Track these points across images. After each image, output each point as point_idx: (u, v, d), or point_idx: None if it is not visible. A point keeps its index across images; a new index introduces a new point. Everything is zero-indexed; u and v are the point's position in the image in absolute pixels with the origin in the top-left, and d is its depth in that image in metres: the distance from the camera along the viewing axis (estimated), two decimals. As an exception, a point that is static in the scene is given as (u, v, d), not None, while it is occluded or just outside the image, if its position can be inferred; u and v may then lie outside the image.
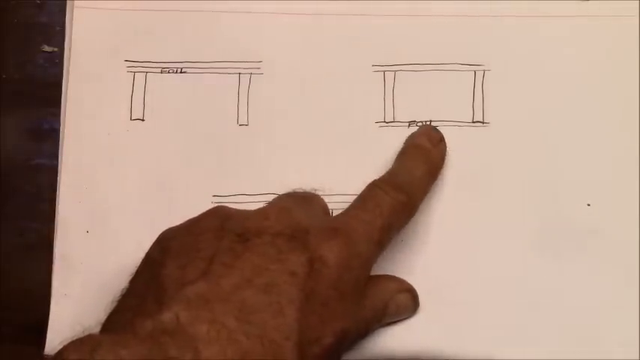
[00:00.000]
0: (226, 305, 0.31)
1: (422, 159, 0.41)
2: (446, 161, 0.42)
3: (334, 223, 0.36)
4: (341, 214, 0.38)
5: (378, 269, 0.40)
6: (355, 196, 0.41)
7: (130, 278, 0.35)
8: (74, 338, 0.30)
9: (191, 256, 0.33)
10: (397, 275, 0.41)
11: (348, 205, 0.38)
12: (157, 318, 0.30)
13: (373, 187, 0.39)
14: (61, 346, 0.29)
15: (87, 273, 0.42)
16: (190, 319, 0.30)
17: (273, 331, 0.31)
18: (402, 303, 0.40)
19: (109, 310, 0.34)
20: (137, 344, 0.29)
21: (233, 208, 0.37)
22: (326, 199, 0.42)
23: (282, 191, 0.41)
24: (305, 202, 0.39)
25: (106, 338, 0.30)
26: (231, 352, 0.30)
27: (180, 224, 0.36)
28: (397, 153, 0.42)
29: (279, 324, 0.32)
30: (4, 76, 0.45)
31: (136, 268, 0.36)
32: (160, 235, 0.36)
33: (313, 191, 0.40)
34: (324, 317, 0.33)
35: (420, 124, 0.43)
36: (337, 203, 0.42)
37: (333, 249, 0.34)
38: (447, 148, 0.42)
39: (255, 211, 0.36)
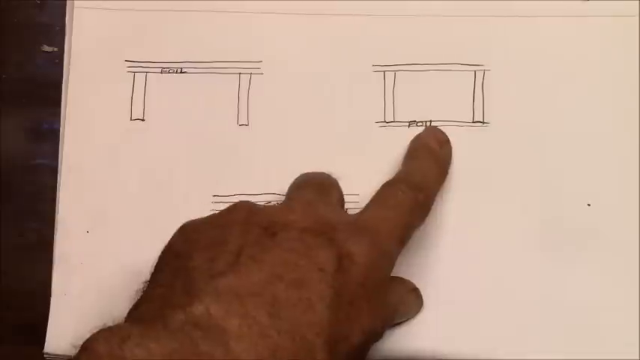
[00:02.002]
0: (258, 300, 0.31)
1: (432, 160, 0.41)
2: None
3: (359, 221, 0.36)
4: (362, 212, 0.38)
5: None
6: (355, 196, 0.42)
7: (151, 270, 0.35)
8: (103, 327, 0.29)
9: (218, 249, 0.33)
10: (397, 275, 0.41)
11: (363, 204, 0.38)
12: (187, 310, 0.30)
13: (391, 186, 0.39)
14: (82, 339, 0.29)
15: (87, 273, 0.42)
16: (222, 313, 0.30)
17: (304, 328, 0.31)
18: (409, 303, 0.40)
19: (116, 317, 0.33)
20: (167, 337, 0.29)
21: (258, 204, 0.36)
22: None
23: (282, 191, 0.42)
24: (324, 192, 0.38)
25: (135, 330, 0.29)
26: (262, 347, 0.30)
27: (204, 217, 0.36)
28: (404, 154, 0.42)
29: (310, 320, 0.31)
30: (4, 76, 0.45)
31: (145, 275, 0.35)
32: (181, 228, 0.36)
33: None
34: (352, 315, 0.33)
35: (420, 124, 0.43)
36: (337, 203, 0.42)
37: (361, 247, 0.34)
38: (448, 149, 0.43)
39: (280, 205, 0.37)
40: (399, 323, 0.40)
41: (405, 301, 0.40)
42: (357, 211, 0.41)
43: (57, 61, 0.44)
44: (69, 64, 0.44)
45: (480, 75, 0.43)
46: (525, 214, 0.42)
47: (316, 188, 0.39)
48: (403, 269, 0.41)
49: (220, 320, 0.30)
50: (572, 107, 0.43)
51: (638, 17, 0.44)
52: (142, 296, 0.33)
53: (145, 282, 0.34)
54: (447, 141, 0.42)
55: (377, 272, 0.35)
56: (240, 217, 0.35)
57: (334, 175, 0.41)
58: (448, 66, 0.44)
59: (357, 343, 0.33)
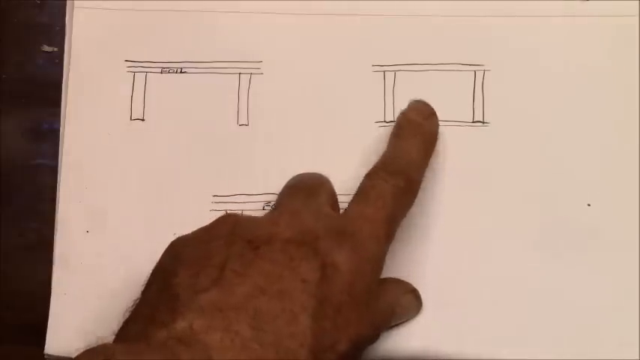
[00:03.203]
0: (240, 313, 0.31)
1: (415, 136, 0.40)
2: (441, 151, 0.42)
3: (342, 225, 0.36)
4: (345, 212, 0.37)
5: (378, 269, 0.41)
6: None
7: (141, 288, 0.35)
8: (88, 347, 0.30)
9: (202, 264, 0.33)
10: (397, 275, 0.41)
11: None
12: (170, 327, 0.30)
13: (371, 177, 0.38)
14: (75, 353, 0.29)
15: (87, 273, 0.42)
16: (204, 328, 0.30)
17: (287, 339, 0.31)
18: (407, 304, 0.40)
19: (116, 318, 0.34)
20: (150, 353, 0.29)
21: (243, 215, 0.37)
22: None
23: (282, 191, 0.42)
24: (312, 196, 0.38)
25: (119, 347, 0.30)
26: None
27: (191, 233, 0.36)
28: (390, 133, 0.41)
29: (293, 331, 0.32)
30: (4, 76, 0.45)
31: (144, 275, 0.35)
32: (170, 244, 0.36)
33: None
34: (338, 323, 0.33)
35: (419, 124, 0.43)
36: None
37: (345, 255, 0.34)
38: (447, 148, 0.42)
39: (264, 217, 0.36)
40: (399, 324, 0.40)
41: (403, 303, 0.39)
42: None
43: (57, 61, 0.44)
44: (69, 64, 0.44)
45: (479, 75, 0.43)
46: (525, 214, 0.42)
47: (305, 193, 0.39)
48: (403, 269, 0.41)
49: (203, 335, 0.30)
50: (572, 107, 0.43)
51: (638, 17, 0.44)
52: (129, 316, 0.34)
53: (136, 300, 0.34)
54: (433, 113, 0.42)
55: (363, 278, 0.35)
56: (225, 231, 0.35)
57: (334, 175, 0.41)
58: (448, 66, 0.44)
59: (345, 351, 0.33)
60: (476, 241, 0.41)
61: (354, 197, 0.38)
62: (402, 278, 0.41)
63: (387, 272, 0.41)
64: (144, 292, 0.35)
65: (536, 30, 0.44)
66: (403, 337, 0.40)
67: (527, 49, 0.43)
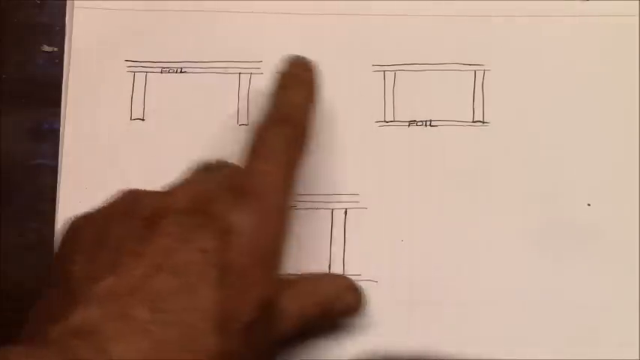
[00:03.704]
0: (137, 296, 0.30)
1: (297, 85, 0.39)
2: (441, 151, 0.42)
3: (237, 183, 0.34)
4: (239, 170, 0.36)
5: (375, 267, 0.40)
6: (355, 196, 0.42)
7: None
8: None
9: (99, 247, 0.32)
10: (397, 275, 0.41)
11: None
12: (66, 321, 0.29)
13: (259, 131, 0.37)
14: None
15: (87, 273, 0.42)
16: (100, 318, 0.29)
17: (189, 315, 0.30)
18: (350, 300, 0.38)
19: None
20: (46, 352, 0.28)
21: (144, 190, 0.35)
22: (325, 199, 0.42)
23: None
24: (214, 169, 0.37)
25: (14, 350, 0.28)
26: (145, 344, 0.29)
27: (89, 211, 0.35)
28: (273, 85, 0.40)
29: (194, 306, 0.30)
30: (4, 76, 0.45)
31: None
32: (69, 226, 0.34)
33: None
34: (243, 287, 0.32)
35: (419, 123, 0.43)
36: (337, 203, 0.42)
37: (241, 215, 0.33)
38: (447, 148, 0.43)
39: (161, 190, 0.35)
40: (348, 324, 0.40)
41: (344, 298, 0.38)
42: (358, 211, 0.42)
43: (57, 61, 0.44)
44: (69, 64, 0.44)
45: (479, 75, 0.43)
46: (525, 214, 0.42)
47: (205, 166, 0.37)
48: (402, 269, 0.41)
49: (98, 325, 0.29)
50: (572, 107, 0.43)
51: (638, 17, 0.44)
52: (31, 314, 0.32)
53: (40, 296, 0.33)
54: (312, 65, 0.40)
55: (267, 238, 0.33)
56: (123, 208, 0.34)
57: (334, 175, 0.42)
58: (448, 66, 0.44)
59: (251, 317, 0.32)
60: (476, 241, 0.41)
61: (244, 154, 0.36)
62: (402, 278, 0.41)
63: (387, 272, 0.41)
64: (45, 285, 0.33)
65: (537, 30, 0.44)
66: (402, 337, 0.40)
67: (527, 49, 0.44)
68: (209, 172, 0.37)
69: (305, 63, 0.40)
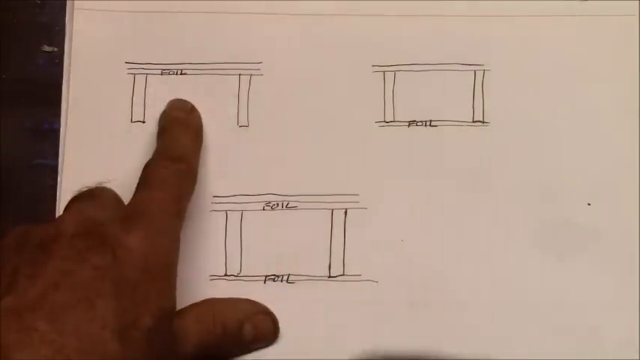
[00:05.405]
0: (36, 312, 0.32)
1: (184, 128, 0.42)
2: (441, 151, 0.42)
3: (128, 210, 0.37)
4: (131, 200, 0.38)
5: (375, 267, 0.41)
6: (355, 196, 0.42)
7: None
8: None
9: None
10: (397, 275, 0.41)
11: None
12: None
13: (152, 165, 0.39)
14: None
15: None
16: (2, 331, 0.31)
17: (87, 325, 0.32)
18: (260, 325, 0.39)
19: None
20: None
21: (32, 224, 0.36)
22: (325, 199, 0.42)
23: (282, 191, 0.42)
24: (97, 197, 0.38)
25: None
26: (46, 351, 0.31)
27: None
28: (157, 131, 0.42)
29: (92, 316, 0.32)
30: (4, 76, 0.45)
31: None
32: None
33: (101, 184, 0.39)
34: (138, 300, 0.34)
35: (419, 123, 0.43)
36: (337, 203, 0.42)
37: (134, 234, 0.35)
38: (447, 148, 0.43)
39: (51, 222, 0.36)
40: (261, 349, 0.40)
41: (254, 322, 0.39)
42: (358, 212, 0.42)
43: (57, 61, 0.44)
44: (69, 64, 0.44)
45: (479, 75, 0.43)
46: (525, 214, 0.42)
47: (88, 195, 0.38)
48: (402, 269, 0.41)
49: (1, 339, 0.31)
50: (571, 107, 0.43)
51: (637, 17, 0.44)
52: None
53: None
54: (193, 108, 0.43)
55: (158, 254, 0.35)
56: (12, 242, 0.35)
57: (334, 175, 0.42)
58: (448, 66, 0.44)
59: (149, 325, 0.34)
60: (476, 241, 0.41)
61: (137, 186, 0.38)
62: (402, 278, 0.41)
63: (387, 273, 0.41)
64: None
65: (536, 30, 0.44)
66: (402, 337, 0.40)
67: (527, 49, 0.44)
68: (92, 199, 0.38)
69: (187, 105, 0.42)
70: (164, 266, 0.36)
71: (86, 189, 0.39)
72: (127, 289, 0.34)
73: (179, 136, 0.41)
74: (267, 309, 0.40)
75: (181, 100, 0.43)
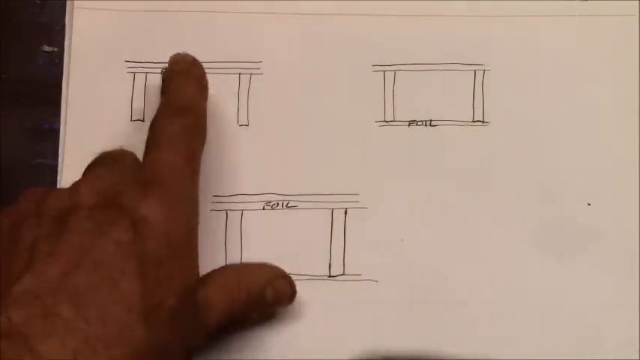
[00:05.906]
0: (58, 295, 0.30)
1: (186, 79, 0.40)
2: (442, 151, 0.42)
3: (142, 176, 0.35)
4: (143, 161, 0.37)
5: (375, 267, 0.41)
6: (355, 195, 0.42)
7: None
8: None
9: (13, 248, 0.32)
10: (397, 275, 0.41)
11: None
12: None
13: (157, 122, 0.38)
14: None
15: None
16: (23, 318, 0.29)
17: (113, 307, 0.31)
18: (280, 289, 0.38)
19: None
20: None
21: (47, 189, 0.35)
22: (325, 199, 0.42)
23: (282, 191, 0.42)
24: (115, 162, 0.37)
25: None
26: (72, 341, 0.29)
27: (1, 210, 0.35)
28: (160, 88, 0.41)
29: (117, 298, 0.31)
30: (4, 76, 0.45)
31: None
32: None
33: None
34: (163, 277, 0.32)
35: (419, 123, 0.43)
36: (337, 202, 0.42)
37: (151, 205, 0.33)
38: (447, 148, 0.43)
39: (68, 188, 0.35)
40: (273, 313, 0.40)
41: (275, 286, 0.38)
42: (358, 211, 0.42)
43: (57, 61, 0.44)
44: (69, 64, 0.44)
45: (479, 75, 0.43)
46: (525, 214, 0.42)
47: (107, 161, 0.37)
48: (402, 268, 0.41)
49: (23, 326, 0.29)
50: (571, 107, 0.43)
51: (637, 17, 0.44)
52: None
53: None
54: (194, 59, 0.41)
55: (178, 224, 0.34)
56: (31, 208, 0.34)
57: (334, 175, 0.42)
58: (448, 66, 0.44)
59: (174, 305, 0.32)
60: (476, 240, 0.41)
61: (146, 147, 0.37)
62: (402, 278, 0.41)
63: (387, 272, 0.41)
64: None
65: (536, 30, 0.44)
66: (402, 337, 0.40)
67: (527, 49, 0.44)
68: (109, 166, 0.37)
69: (191, 59, 0.41)
70: (186, 238, 0.34)
71: (105, 152, 0.38)
72: (151, 267, 0.32)
73: (182, 87, 0.40)
74: (285, 272, 0.39)
75: (182, 53, 0.41)
